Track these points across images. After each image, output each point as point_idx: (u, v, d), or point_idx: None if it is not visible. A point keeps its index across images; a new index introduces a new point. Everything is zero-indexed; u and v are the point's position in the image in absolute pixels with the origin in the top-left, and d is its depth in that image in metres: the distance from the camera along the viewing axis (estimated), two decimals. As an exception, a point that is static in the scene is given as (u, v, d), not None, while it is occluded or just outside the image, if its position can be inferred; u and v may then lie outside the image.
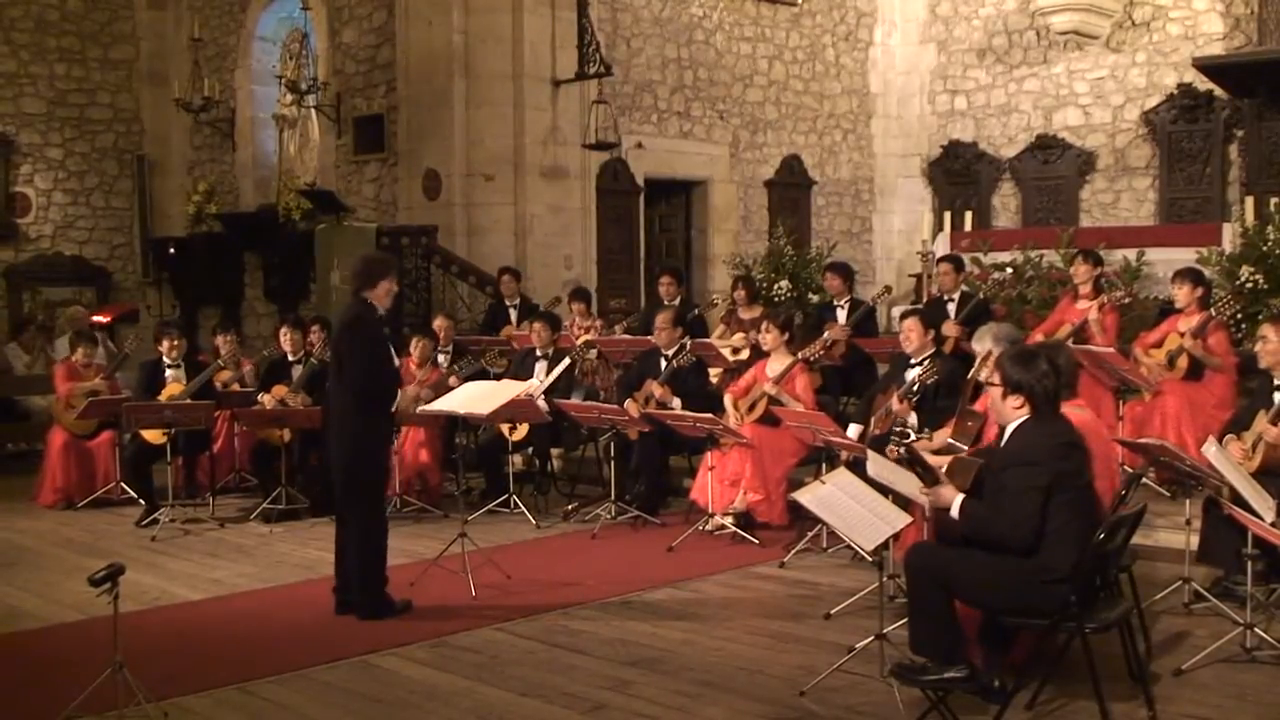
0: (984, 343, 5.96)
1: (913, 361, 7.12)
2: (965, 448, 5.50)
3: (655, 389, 8.23)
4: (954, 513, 4.56)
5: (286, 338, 9.08)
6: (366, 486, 6.02)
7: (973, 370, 6.12)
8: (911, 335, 7.15)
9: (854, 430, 7.21)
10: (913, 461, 5.06)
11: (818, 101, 15.76)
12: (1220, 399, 7.45)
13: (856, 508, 4.73)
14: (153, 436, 8.57)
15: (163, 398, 8.75)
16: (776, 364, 7.96)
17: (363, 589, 5.95)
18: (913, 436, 5.43)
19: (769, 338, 8.01)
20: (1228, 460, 5.26)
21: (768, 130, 15.15)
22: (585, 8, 12.36)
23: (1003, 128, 15.65)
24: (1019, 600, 4.38)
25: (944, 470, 4.89)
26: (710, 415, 7.62)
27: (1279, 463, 5.82)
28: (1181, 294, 7.81)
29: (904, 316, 7.37)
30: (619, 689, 4.89)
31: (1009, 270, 10.48)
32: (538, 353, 9.14)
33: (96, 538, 8.09)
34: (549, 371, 8.90)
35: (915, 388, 6.71)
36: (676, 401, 8.13)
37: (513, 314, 10.71)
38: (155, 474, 8.67)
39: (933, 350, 7.18)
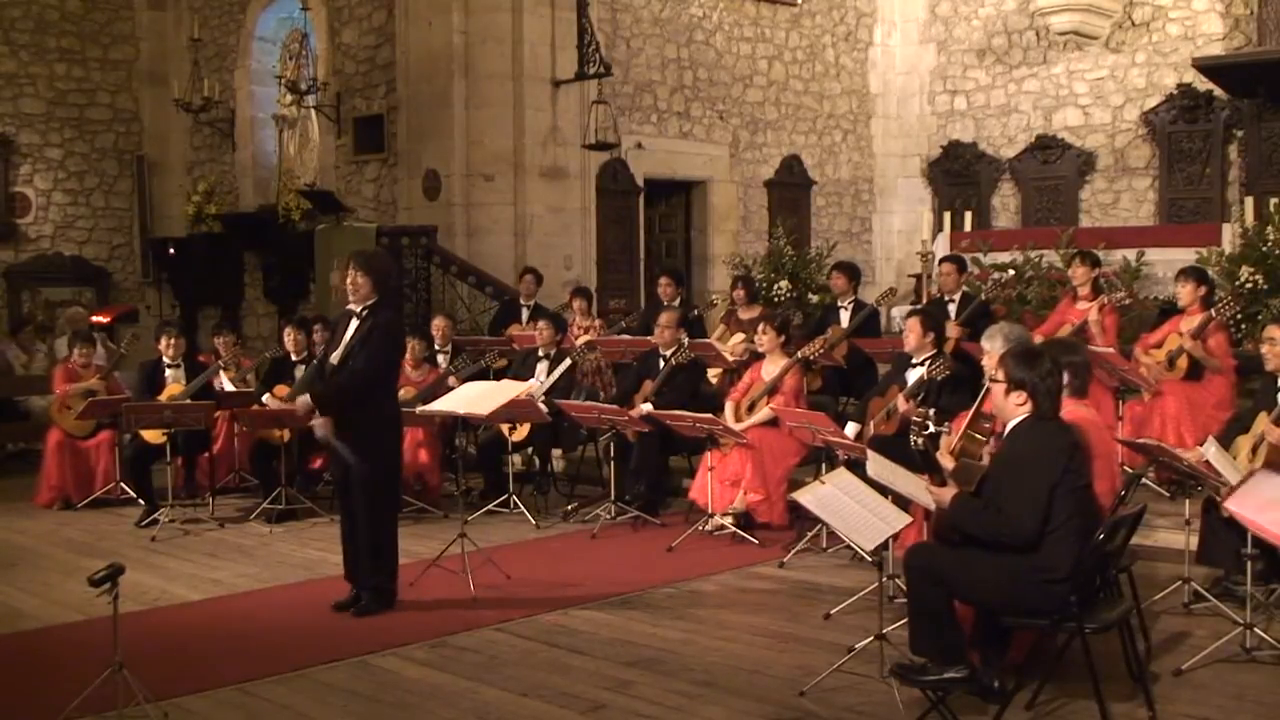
0: (994, 343, 5.87)
1: (914, 362, 7.12)
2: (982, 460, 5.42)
3: (647, 388, 8.24)
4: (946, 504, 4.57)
5: (291, 338, 9.10)
6: None
7: (987, 376, 6.01)
8: (910, 335, 7.15)
9: (851, 429, 7.20)
10: (926, 456, 5.03)
11: (817, 102, 15.76)
12: (1219, 399, 7.45)
13: (856, 508, 4.72)
14: (152, 436, 8.56)
15: (163, 398, 8.75)
16: (773, 365, 7.96)
17: None
18: (931, 428, 5.34)
19: (765, 340, 8.01)
20: (1227, 460, 5.26)
21: (767, 130, 15.15)
22: (585, 8, 12.35)
23: (1002, 128, 15.65)
24: (1019, 600, 4.37)
25: (950, 472, 4.88)
26: (710, 415, 7.62)
27: (1280, 464, 5.82)
28: (1185, 292, 7.80)
29: (908, 316, 7.37)
30: (619, 689, 4.89)
31: (1010, 271, 10.47)
32: (540, 353, 9.14)
33: (96, 538, 8.09)
34: (550, 372, 8.90)
35: (923, 385, 6.69)
36: (647, 406, 8.10)
37: (524, 314, 10.69)
38: (155, 474, 8.66)
39: (933, 351, 7.17)
